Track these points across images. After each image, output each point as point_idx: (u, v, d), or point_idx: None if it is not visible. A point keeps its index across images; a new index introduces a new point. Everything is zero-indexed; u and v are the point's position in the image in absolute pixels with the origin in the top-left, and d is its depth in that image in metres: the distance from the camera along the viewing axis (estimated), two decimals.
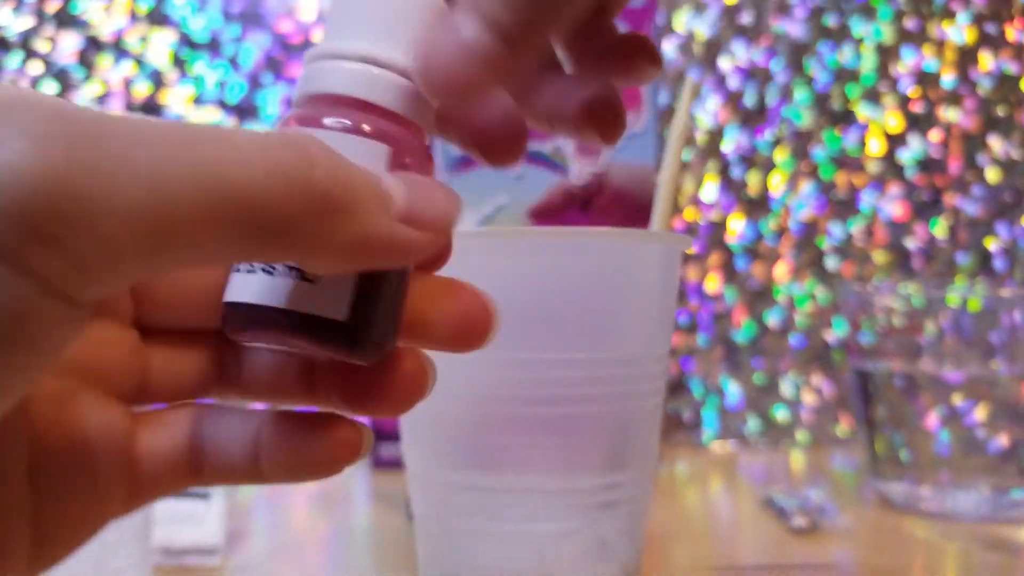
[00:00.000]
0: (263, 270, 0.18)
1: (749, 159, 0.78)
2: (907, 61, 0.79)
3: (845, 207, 0.78)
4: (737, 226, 0.77)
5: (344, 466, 0.19)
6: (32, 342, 0.13)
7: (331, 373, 0.20)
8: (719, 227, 0.77)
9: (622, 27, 0.23)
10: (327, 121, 0.18)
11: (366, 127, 0.18)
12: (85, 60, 0.72)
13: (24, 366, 0.14)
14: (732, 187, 0.77)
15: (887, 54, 0.79)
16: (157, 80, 0.72)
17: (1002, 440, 0.52)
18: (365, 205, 0.16)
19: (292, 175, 0.15)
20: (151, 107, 0.72)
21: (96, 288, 0.14)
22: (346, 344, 0.18)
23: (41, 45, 0.72)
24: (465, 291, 0.19)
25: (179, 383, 0.21)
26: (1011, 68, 0.80)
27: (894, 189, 0.79)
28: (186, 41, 0.72)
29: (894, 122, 0.79)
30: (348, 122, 0.18)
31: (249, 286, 0.18)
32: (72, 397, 0.19)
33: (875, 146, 0.79)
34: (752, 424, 0.77)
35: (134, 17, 0.73)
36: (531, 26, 0.18)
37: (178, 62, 0.72)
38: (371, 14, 0.19)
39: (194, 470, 0.20)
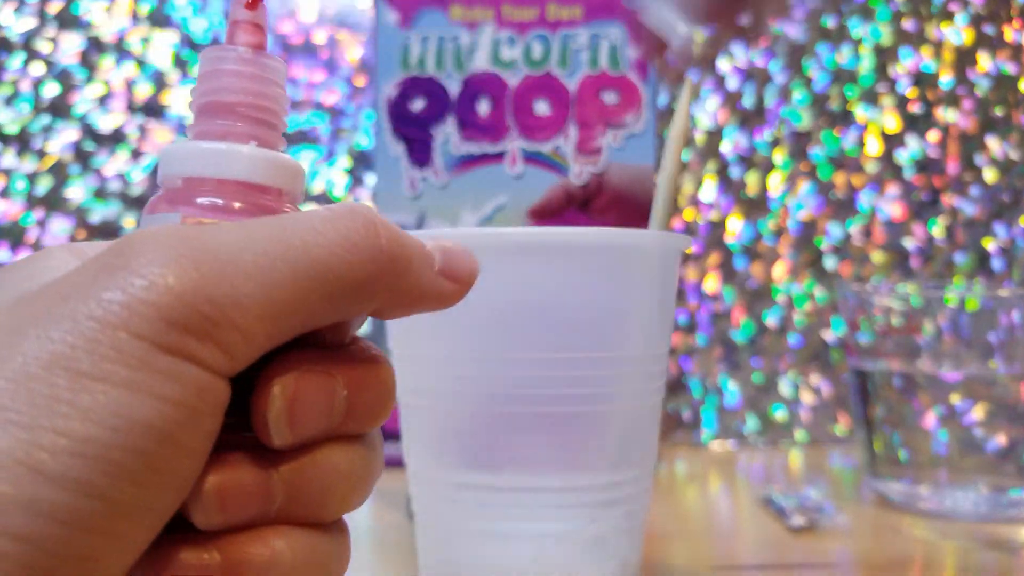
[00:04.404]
0: None
1: (748, 159, 0.78)
2: (905, 62, 0.79)
3: (843, 207, 0.79)
4: (736, 226, 0.78)
5: None
6: (210, 411, 0.17)
7: None
8: (718, 227, 0.77)
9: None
10: (200, 201, 0.20)
11: (237, 204, 0.20)
12: (87, 61, 0.73)
13: (210, 432, 0.17)
14: (731, 187, 0.78)
15: (885, 55, 0.79)
16: (159, 81, 0.73)
17: (1000, 439, 0.52)
18: (418, 264, 0.19)
19: (363, 244, 0.18)
20: (153, 108, 0.72)
21: (240, 364, 0.17)
22: None
23: (43, 46, 0.72)
24: None
25: None
26: (1009, 68, 0.80)
27: (892, 189, 0.79)
28: (188, 42, 0.73)
29: (892, 123, 0.79)
30: (220, 201, 0.20)
31: None
32: None
33: (873, 146, 0.79)
34: (751, 423, 0.77)
35: (136, 18, 0.73)
36: None
37: (180, 63, 0.73)
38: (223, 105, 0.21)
39: None
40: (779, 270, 0.78)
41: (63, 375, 0.15)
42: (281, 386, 0.18)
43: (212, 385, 0.17)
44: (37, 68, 0.72)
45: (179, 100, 0.73)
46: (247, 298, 0.17)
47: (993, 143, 0.80)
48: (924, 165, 0.79)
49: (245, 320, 0.17)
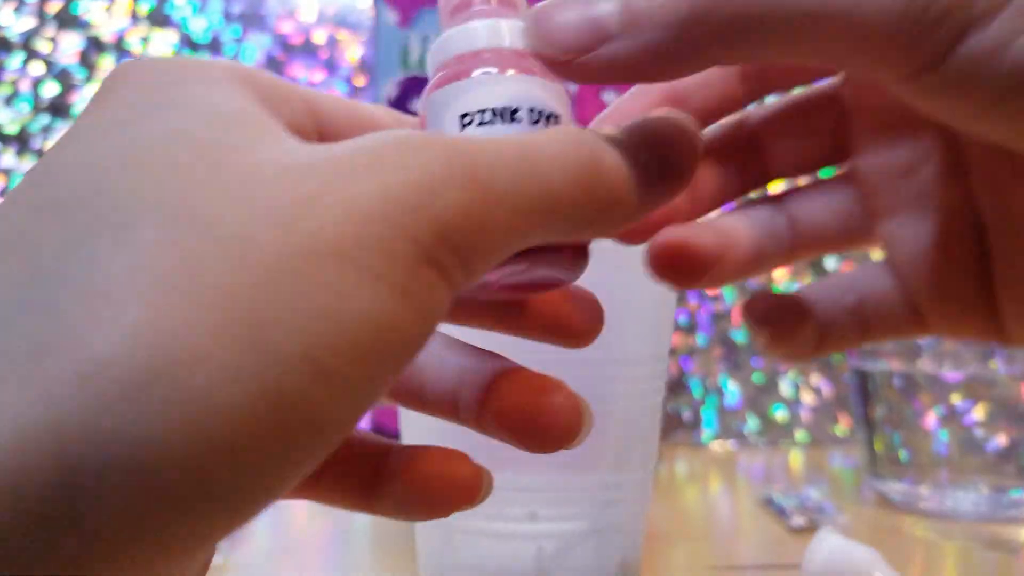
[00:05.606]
0: None
1: None
2: None
3: None
4: None
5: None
6: (428, 333, 0.16)
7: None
8: None
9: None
10: (476, 74, 0.20)
11: (510, 72, 0.20)
12: (86, 61, 0.73)
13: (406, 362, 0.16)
14: None
15: None
16: None
17: (1000, 439, 0.52)
18: (630, 198, 0.19)
19: (585, 177, 0.18)
20: None
21: (473, 279, 0.17)
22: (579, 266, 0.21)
23: (42, 45, 0.72)
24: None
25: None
26: None
27: None
28: (187, 42, 0.73)
29: None
30: (494, 70, 0.20)
31: None
32: None
33: None
34: (751, 423, 0.77)
35: (135, 18, 0.73)
36: (669, 23, 0.18)
37: None
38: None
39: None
40: (779, 269, 0.78)
41: (332, 261, 0.14)
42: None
43: (443, 306, 0.16)
44: (37, 68, 0.72)
45: None
46: (498, 197, 0.16)
47: None
48: None
49: (497, 217, 0.16)
